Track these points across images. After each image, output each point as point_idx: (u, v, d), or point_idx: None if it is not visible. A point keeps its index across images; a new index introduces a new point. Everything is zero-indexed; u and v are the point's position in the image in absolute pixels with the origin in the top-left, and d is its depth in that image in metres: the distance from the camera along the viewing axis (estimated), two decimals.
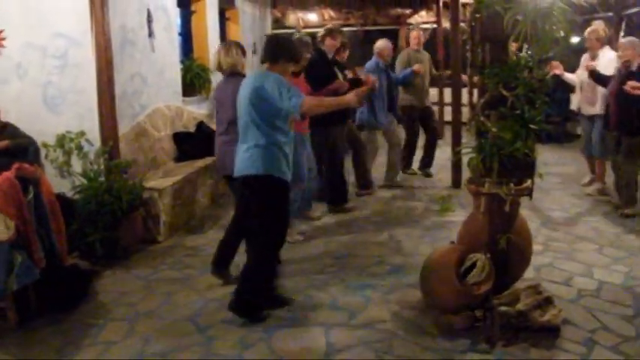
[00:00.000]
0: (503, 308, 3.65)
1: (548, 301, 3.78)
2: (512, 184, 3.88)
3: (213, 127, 7.78)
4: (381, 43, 7.36)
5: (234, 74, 4.72)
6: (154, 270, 4.88)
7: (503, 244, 3.79)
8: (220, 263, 4.52)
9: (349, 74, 6.99)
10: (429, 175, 8.11)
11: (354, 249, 5.30)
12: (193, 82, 7.83)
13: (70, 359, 3.54)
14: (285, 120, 3.87)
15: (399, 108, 7.80)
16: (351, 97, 3.84)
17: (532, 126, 3.76)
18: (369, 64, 7.34)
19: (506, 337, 3.57)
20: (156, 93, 6.64)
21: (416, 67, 7.76)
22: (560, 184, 7.41)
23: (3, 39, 5.56)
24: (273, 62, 3.97)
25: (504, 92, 3.81)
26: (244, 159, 3.88)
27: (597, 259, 4.92)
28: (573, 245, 5.25)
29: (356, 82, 6.28)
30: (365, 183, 7.15)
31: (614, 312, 3.96)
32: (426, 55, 8.27)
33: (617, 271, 4.65)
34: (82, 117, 5.53)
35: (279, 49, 3.99)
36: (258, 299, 3.96)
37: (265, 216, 3.90)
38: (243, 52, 4.87)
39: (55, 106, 5.60)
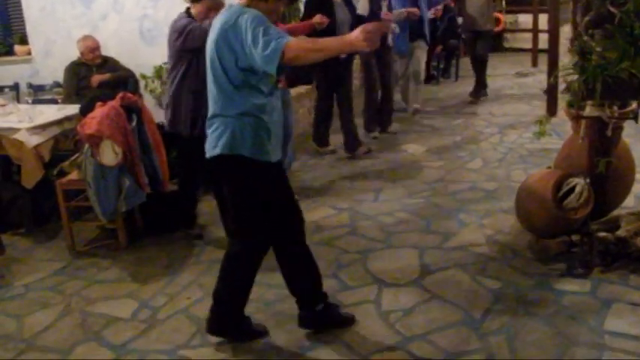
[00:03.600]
0: (601, 234, 3.58)
1: None
2: (615, 107, 3.71)
3: None
4: None
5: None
6: None
7: (602, 168, 3.66)
8: None
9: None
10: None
11: (446, 175, 5.29)
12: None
13: (175, 275, 3.80)
14: (265, 76, 2.73)
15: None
16: (356, 37, 2.46)
17: None
18: None
19: (604, 263, 3.51)
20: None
21: None
22: None
23: None
24: None
25: (611, 9, 3.59)
26: (209, 134, 2.84)
27: None
28: None
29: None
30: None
31: None
32: None
33: None
34: None
35: None
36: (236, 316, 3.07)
37: (242, 212, 2.92)
38: None
39: (152, 39, 5.79)
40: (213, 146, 2.80)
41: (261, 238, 2.98)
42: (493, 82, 8.81)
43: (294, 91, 6.87)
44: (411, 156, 5.97)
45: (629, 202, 4.18)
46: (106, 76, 5.48)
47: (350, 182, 5.26)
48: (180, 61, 3.99)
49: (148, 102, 5.60)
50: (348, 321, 3.14)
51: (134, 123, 4.31)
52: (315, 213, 4.57)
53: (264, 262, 3.81)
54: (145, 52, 5.76)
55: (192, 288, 3.62)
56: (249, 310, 3.30)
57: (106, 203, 4.04)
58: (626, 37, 3.57)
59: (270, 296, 3.43)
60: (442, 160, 5.73)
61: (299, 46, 2.57)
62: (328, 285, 3.48)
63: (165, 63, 5.62)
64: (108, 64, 5.63)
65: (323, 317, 3.09)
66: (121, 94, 4.31)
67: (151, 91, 5.74)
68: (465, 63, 10.15)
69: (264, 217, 2.91)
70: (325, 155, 6.11)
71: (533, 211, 3.74)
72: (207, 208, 4.85)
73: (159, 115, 5.47)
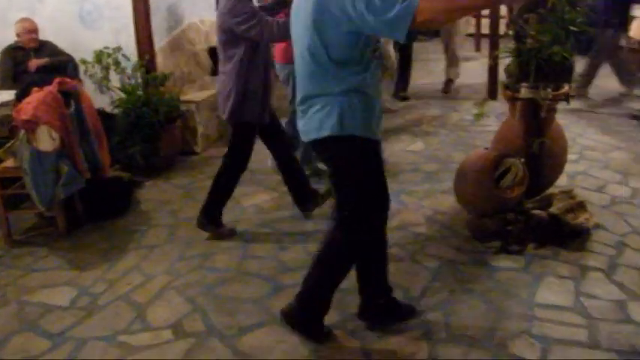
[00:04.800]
0: (535, 211, 3.70)
1: (580, 206, 3.81)
2: (549, 89, 3.82)
3: None
4: None
5: None
6: (192, 179, 5.04)
7: (536, 148, 3.78)
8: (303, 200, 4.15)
9: None
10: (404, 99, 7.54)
11: (388, 157, 5.34)
12: None
13: (115, 261, 3.74)
14: (365, 49, 2.49)
15: None
16: None
17: (572, 28, 3.67)
18: None
19: (538, 240, 3.64)
20: (190, 7, 6.61)
21: None
22: (598, 96, 7.22)
23: None
24: None
25: None
26: (309, 116, 2.60)
27: (632, 167, 4.89)
28: (609, 154, 5.21)
29: None
30: None
31: None
32: None
33: None
34: (118, 32, 5.57)
35: None
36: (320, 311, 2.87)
37: (357, 195, 2.65)
38: None
39: (92, 22, 5.64)
40: (317, 127, 2.56)
41: (375, 222, 2.75)
42: (436, 67, 8.91)
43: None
44: None
45: (562, 181, 4.33)
46: (44, 60, 5.33)
47: None
48: (239, 46, 3.63)
49: (89, 87, 5.47)
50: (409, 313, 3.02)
51: (72, 108, 4.22)
52: (257, 196, 4.59)
53: (204, 245, 3.86)
54: (85, 36, 5.60)
55: (133, 273, 3.58)
56: (190, 294, 3.31)
57: (43, 190, 3.94)
58: (558, 21, 3.69)
59: (210, 280, 3.43)
60: (384, 142, 5.75)
61: (432, 7, 2.23)
62: (270, 267, 3.53)
63: (106, 47, 5.52)
64: (46, 48, 5.47)
65: (384, 309, 2.96)
66: (58, 79, 4.21)
67: (91, 77, 5.60)
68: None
69: (378, 197, 2.69)
70: None
71: (471, 191, 3.83)
72: (150, 194, 4.80)
73: (99, 101, 5.38)
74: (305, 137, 2.69)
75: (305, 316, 2.87)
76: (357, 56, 2.48)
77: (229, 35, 3.64)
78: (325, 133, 2.54)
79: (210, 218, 3.94)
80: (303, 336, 2.86)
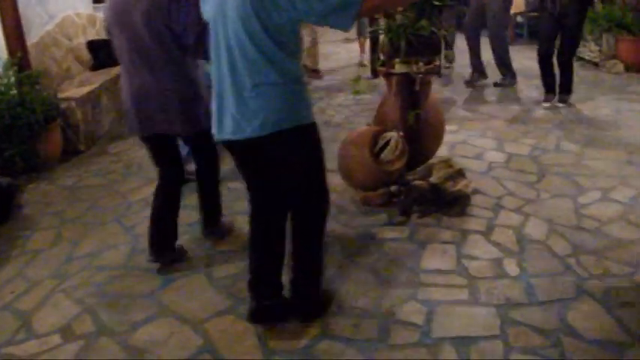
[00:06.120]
0: (417, 182, 3.85)
1: (459, 173, 4.00)
2: (421, 63, 3.98)
3: None
4: None
5: None
6: (78, 179, 4.86)
7: (411, 120, 3.93)
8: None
9: None
10: None
11: None
12: None
13: None
14: (299, 38, 2.49)
15: None
16: None
17: (435, 2, 3.82)
18: None
19: (421, 209, 3.80)
20: (64, 0, 6.35)
21: None
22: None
23: None
24: None
25: None
26: (251, 112, 2.41)
27: (508, 134, 5.19)
28: (487, 123, 5.49)
29: None
30: None
31: (520, 179, 4.27)
32: None
33: (524, 143, 4.96)
34: None
35: None
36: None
37: (316, 174, 2.70)
38: None
39: None
40: (266, 123, 2.40)
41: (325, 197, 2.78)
42: (322, 48, 9.02)
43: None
44: None
45: (444, 152, 4.53)
46: None
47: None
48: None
49: None
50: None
51: None
52: (144, 190, 4.48)
53: (91, 244, 3.76)
54: None
55: (17, 281, 3.41)
56: (79, 295, 3.22)
57: None
58: None
59: (99, 279, 3.35)
60: None
61: None
62: None
63: None
64: None
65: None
66: None
67: None
68: None
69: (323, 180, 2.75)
70: None
71: (354, 167, 3.94)
72: (33, 197, 4.59)
73: None
74: (243, 134, 2.46)
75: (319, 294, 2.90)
76: (295, 43, 2.42)
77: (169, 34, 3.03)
78: (280, 126, 2.42)
79: (217, 223, 3.71)
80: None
